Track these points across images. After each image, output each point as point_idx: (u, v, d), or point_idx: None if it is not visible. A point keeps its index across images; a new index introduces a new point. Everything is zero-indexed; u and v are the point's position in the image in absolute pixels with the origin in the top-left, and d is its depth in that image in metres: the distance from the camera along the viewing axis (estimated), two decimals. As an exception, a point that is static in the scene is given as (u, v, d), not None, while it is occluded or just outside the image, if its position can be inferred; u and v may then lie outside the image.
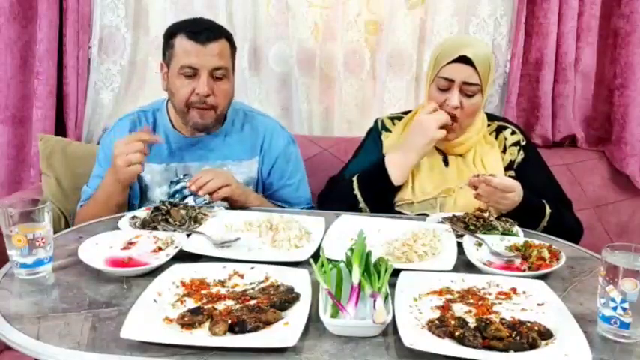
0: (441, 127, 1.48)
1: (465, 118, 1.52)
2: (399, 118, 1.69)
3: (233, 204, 1.49)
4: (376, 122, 1.72)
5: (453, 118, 1.51)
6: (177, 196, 1.59)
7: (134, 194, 1.59)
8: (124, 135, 1.55)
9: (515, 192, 1.36)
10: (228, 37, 1.56)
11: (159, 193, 1.59)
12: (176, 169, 1.59)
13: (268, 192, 1.68)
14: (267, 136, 1.67)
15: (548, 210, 1.45)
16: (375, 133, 1.69)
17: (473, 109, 1.51)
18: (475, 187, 1.37)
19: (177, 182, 1.59)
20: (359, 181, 1.53)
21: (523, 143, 1.61)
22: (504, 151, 1.60)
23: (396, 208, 1.55)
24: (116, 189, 1.46)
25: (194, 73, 1.49)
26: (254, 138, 1.66)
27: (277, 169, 1.67)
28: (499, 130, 1.62)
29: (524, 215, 1.40)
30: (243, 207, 1.49)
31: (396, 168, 1.50)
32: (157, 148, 1.57)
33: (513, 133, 1.62)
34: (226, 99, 1.56)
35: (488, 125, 1.63)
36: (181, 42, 1.49)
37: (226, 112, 1.61)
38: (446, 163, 1.59)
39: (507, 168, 1.58)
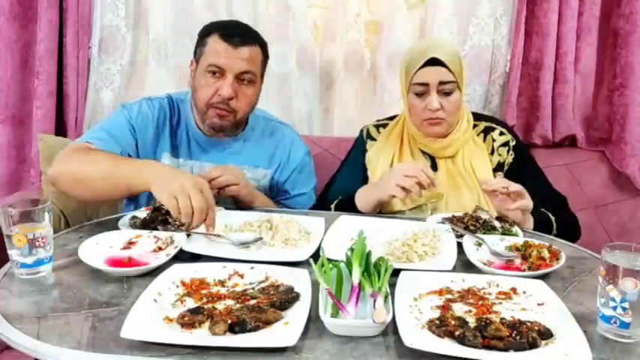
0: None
1: (449, 117, 1.52)
2: (385, 125, 1.70)
3: (239, 203, 1.48)
4: (361, 131, 1.73)
5: (437, 120, 1.51)
6: None
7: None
8: (148, 120, 1.53)
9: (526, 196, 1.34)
10: (262, 45, 1.54)
11: None
12: (192, 167, 1.58)
13: (279, 198, 1.67)
14: (287, 149, 1.67)
15: (553, 220, 1.46)
16: (360, 143, 1.70)
17: (454, 106, 1.52)
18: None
19: None
20: (336, 210, 1.52)
21: (513, 143, 1.60)
22: (492, 152, 1.60)
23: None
24: (139, 187, 1.26)
25: (221, 73, 1.47)
26: (273, 148, 1.65)
27: (292, 179, 1.67)
28: (487, 131, 1.62)
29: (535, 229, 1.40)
30: (248, 207, 1.49)
31: (363, 203, 1.46)
32: (177, 143, 1.57)
33: (502, 133, 1.62)
34: (248, 105, 1.54)
35: (476, 125, 1.63)
36: (214, 41, 1.48)
37: (247, 118, 1.60)
38: (434, 167, 1.59)
39: (496, 169, 1.58)
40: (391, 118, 1.73)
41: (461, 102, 1.54)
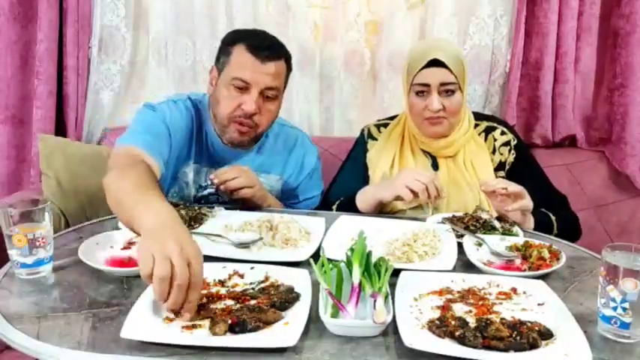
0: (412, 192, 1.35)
1: (450, 117, 1.52)
2: (386, 125, 1.70)
3: (248, 203, 1.47)
4: (362, 131, 1.73)
5: (438, 119, 1.51)
6: (202, 202, 1.56)
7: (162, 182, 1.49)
8: (180, 121, 1.49)
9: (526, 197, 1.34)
10: (287, 59, 1.50)
11: (191, 194, 1.56)
12: (207, 173, 1.56)
13: (290, 201, 1.67)
14: (300, 157, 1.66)
15: (554, 220, 1.46)
16: (360, 143, 1.70)
17: (455, 107, 1.51)
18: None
19: (205, 188, 1.56)
20: (338, 211, 1.52)
21: (514, 142, 1.60)
22: (494, 152, 1.59)
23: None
24: (127, 222, 1.04)
25: (245, 87, 1.43)
26: (286, 156, 1.65)
27: (303, 185, 1.67)
28: (488, 131, 1.62)
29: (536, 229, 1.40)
30: (257, 207, 1.48)
31: (364, 204, 1.46)
32: (199, 149, 1.55)
33: (503, 133, 1.61)
34: (270, 120, 1.51)
35: (477, 125, 1.63)
36: (240, 52, 1.43)
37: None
38: (435, 167, 1.59)
39: (497, 169, 1.58)
40: (392, 118, 1.72)
41: (462, 102, 1.53)
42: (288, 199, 1.67)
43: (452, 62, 1.47)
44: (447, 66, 1.46)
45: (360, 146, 1.70)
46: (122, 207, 1.05)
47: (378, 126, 1.71)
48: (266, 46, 1.45)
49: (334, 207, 1.54)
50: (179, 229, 0.92)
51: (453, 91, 1.49)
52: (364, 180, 1.62)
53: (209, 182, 1.51)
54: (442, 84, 1.48)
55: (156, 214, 0.95)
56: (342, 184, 1.63)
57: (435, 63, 1.46)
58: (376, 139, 1.67)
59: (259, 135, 1.54)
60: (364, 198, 1.46)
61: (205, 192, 1.57)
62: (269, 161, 1.62)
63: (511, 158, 1.58)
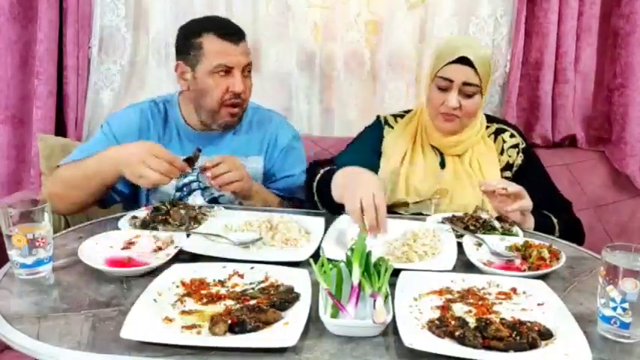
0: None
1: (464, 118, 1.52)
2: (401, 116, 1.70)
3: (237, 196, 1.51)
4: (378, 117, 1.72)
5: (452, 116, 1.51)
6: (184, 189, 1.59)
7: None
8: (131, 125, 1.60)
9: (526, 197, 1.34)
10: (245, 36, 1.61)
11: (169, 186, 1.57)
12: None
13: (270, 181, 1.69)
14: (274, 133, 1.70)
15: (555, 222, 1.46)
16: (376, 127, 1.69)
17: (472, 109, 1.51)
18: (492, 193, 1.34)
19: (186, 175, 1.58)
20: (319, 181, 1.44)
21: (523, 146, 1.60)
22: (502, 153, 1.60)
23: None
24: (111, 174, 1.40)
25: (227, 71, 1.52)
26: (262, 134, 1.69)
27: (280, 161, 1.69)
28: (498, 133, 1.62)
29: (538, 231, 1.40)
30: (247, 198, 1.51)
31: (336, 187, 1.30)
32: (167, 143, 1.60)
33: (512, 136, 1.62)
34: (251, 94, 1.62)
35: (488, 127, 1.63)
36: (212, 41, 1.52)
37: None
38: (442, 165, 1.59)
39: (504, 169, 1.58)
40: (406, 112, 1.72)
41: (480, 106, 1.53)
42: (268, 179, 1.68)
43: (480, 64, 1.46)
44: (474, 67, 1.46)
45: (376, 130, 1.67)
46: (83, 181, 1.42)
47: (394, 116, 1.70)
48: (233, 29, 1.56)
49: (317, 177, 1.44)
50: (132, 145, 1.40)
51: (473, 93, 1.49)
52: (374, 163, 1.57)
53: (189, 170, 1.47)
54: (465, 83, 1.47)
55: (112, 151, 1.41)
56: (351, 157, 1.57)
57: (464, 61, 1.46)
58: (392, 127, 1.67)
59: (244, 110, 1.62)
60: (335, 187, 1.31)
61: (186, 180, 1.59)
62: (246, 144, 1.66)
63: (519, 160, 1.58)
